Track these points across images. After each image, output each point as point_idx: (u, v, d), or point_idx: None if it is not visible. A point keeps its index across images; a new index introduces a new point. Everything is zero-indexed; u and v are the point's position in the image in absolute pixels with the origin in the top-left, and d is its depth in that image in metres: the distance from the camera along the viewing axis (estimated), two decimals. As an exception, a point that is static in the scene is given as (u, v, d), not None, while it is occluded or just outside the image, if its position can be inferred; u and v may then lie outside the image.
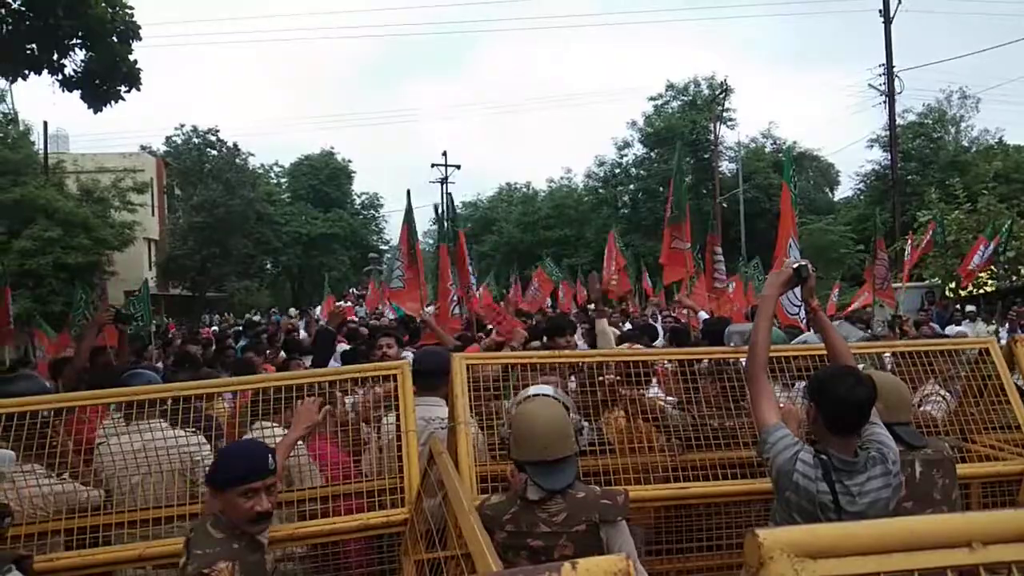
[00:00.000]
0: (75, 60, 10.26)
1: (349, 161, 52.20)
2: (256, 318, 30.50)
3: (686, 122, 41.86)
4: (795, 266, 3.02)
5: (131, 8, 10.21)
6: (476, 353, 4.52)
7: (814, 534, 0.90)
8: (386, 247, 54.19)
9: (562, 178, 51.04)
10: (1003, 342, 4.37)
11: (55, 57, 10.04)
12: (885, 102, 27.50)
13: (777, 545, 0.88)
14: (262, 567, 2.60)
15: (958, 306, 16.19)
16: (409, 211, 8.22)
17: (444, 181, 47.25)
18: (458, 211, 55.08)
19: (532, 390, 2.93)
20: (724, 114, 42.32)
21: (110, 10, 9.74)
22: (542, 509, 2.66)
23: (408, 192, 8.30)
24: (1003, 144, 34.34)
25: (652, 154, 42.89)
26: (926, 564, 0.92)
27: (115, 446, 3.19)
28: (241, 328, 22.33)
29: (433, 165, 47.30)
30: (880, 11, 26.55)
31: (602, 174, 46.45)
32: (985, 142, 36.68)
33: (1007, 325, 9.67)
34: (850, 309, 12.74)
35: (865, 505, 2.49)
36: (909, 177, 31.96)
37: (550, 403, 2.81)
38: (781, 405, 3.44)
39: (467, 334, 7.84)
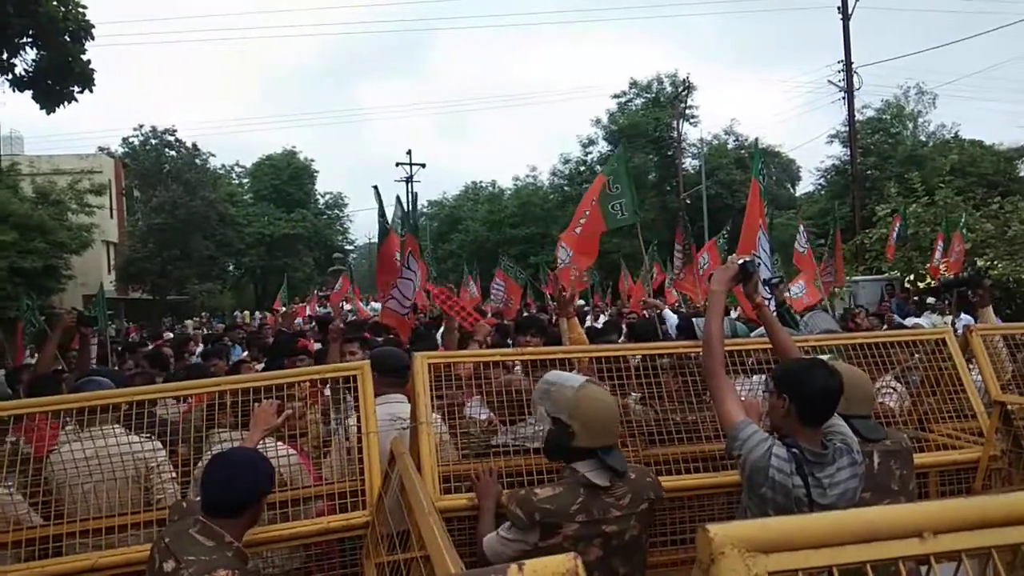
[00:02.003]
0: (26, 60, 10.03)
1: (311, 161, 51.79)
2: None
3: (650, 119, 42.14)
4: (740, 262, 3.03)
5: (84, 7, 9.98)
6: (439, 352, 4.49)
7: (765, 528, 0.89)
8: (351, 247, 53.84)
9: (527, 176, 51.11)
10: (960, 331, 4.45)
11: (5, 56, 9.79)
12: (844, 98, 27.93)
13: (728, 540, 0.86)
14: None
15: (916, 298, 16.46)
16: (393, 221, 7.97)
17: (409, 180, 47.08)
18: (424, 210, 54.97)
19: (577, 378, 2.87)
20: (687, 111, 42.67)
21: (62, 9, 9.51)
22: (609, 494, 2.67)
23: (385, 208, 7.90)
24: (959, 139, 35.02)
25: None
26: (878, 555, 0.91)
27: (67, 453, 3.11)
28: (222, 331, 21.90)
29: (398, 164, 47.13)
30: (838, 8, 26.93)
31: (567, 172, 46.60)
32: (942, 137, 37.39)
33: (960, 314, 9.80)
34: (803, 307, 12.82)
35: (836, 496, 2.51)
36: (868, 172, 32.46)
37: (603, 388, 2.84)
38: (742, 399, 3.47)
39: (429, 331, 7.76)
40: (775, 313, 5.16)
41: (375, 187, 7.67)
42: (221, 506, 2.49)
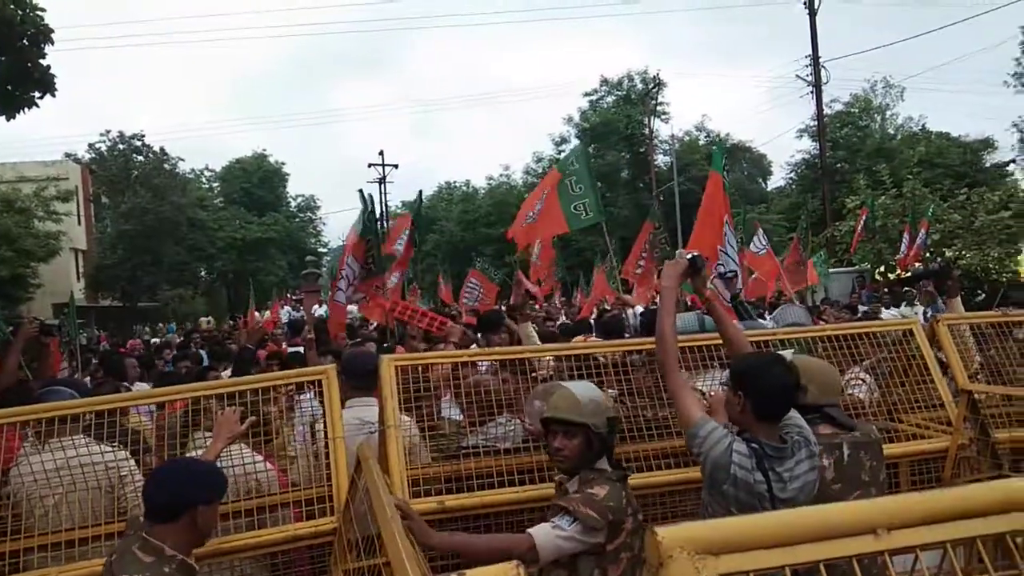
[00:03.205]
0: (-17, 65, 9.81)
1: (282, 164, 51.33)
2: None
3: (621, 117, 42.25)
4: (689, 256, 3.04)
5: (42, 10, 9.79)
6: (406, 355, 4.45)
7: (715, 529, 0.87)
8: (324, 249, 53.45)
9: (501, 175, 51.06)
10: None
11: (-39, 63, 9.59)
12: (812, 93, 28.18)
13: (677, 543, 0.84)
14: None
15: (887, 289, 16.66)
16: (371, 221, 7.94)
17: (382, 181, 46.83)
18: (397, 211, 54.80)
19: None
20: (658, 108, 42.84)
21: (19, 12, 9.31)
22: (627, 486, 2.76)
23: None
24: (926, 131, 35.47)
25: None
26: (831, 554, 0.89)
27: (31, 465, 3.03)
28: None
29: (370, 165, 46.78)
30: (805, 3, 27.18)
31: (540, 170, 46.58)
32: (909, 129, 37.84)
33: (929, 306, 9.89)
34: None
35: (796, 490, 2.49)
36: (838, 165, 32.78)
37: None
38: (712, 393, 3.46)
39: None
40: (729, 306, 5.19)
41: (360, 191, 7.64)
42: (155, 508, 2.44)
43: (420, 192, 9.18)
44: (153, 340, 21.01)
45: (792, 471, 2.50)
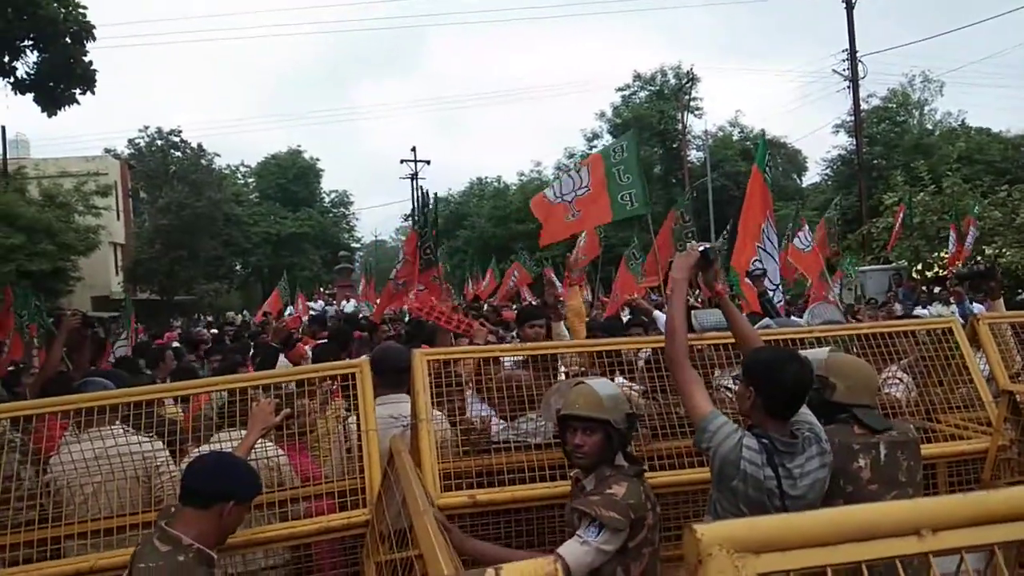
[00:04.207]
0: (27, 62, 10.01)
1: (317, 159, 51.84)
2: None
3: (654, 112, 41.95)
4: (701, 248, 2.98)
5: (84, 7, 9.96)
6: (437, 349, 4.46)
7: (755, 527, 0.85)
8: (358, 245, 53.92)
9: (532, 171, 50.96)
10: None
11: (6, 59, 9.78)
12: (849, 87, 27.78)
13: (716, 541, 0.83)
14: None
15: (924, 287, 16.37)
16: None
17: (415, 177, 47.05)
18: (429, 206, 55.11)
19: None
20: (691, 103, 42.46)
21: (62, 10, 9.48)
22: (644, 481, 2.76)
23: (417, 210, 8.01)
24: (965, 126, 34.76)
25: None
26: (874, 555, 0.87)
27: (72, 454, 3.10)
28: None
29: (402, 161, 47.07)
30: (842, -3, 26.80)
31: (572, 165, 46.42)
32: (948, 125, 37.09)
33: (961, 305, 9.70)
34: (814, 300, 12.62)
35: (806, 487, 2.46)
36: (875, 161, 32.26)
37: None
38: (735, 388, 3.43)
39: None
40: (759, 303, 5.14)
41: (422, 188, 7.86)
42: (190, 492, 2.48)
43: (435, 196, 8.95)
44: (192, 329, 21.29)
45: (803, 467, 2.47)
